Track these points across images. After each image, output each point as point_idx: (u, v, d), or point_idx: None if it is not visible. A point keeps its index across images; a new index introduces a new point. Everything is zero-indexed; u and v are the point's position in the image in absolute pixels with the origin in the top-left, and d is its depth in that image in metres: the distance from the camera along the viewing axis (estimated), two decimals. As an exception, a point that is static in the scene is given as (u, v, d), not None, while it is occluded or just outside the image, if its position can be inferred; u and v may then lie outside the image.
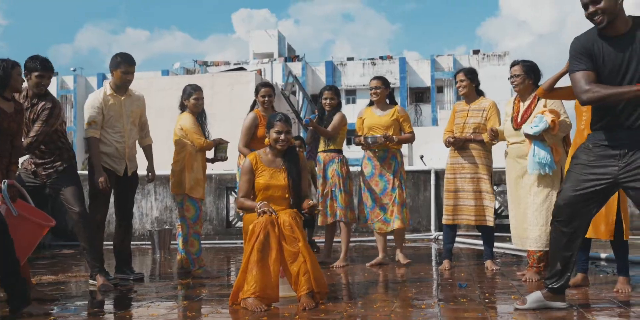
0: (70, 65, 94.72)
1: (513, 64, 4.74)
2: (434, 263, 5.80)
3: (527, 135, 4.43)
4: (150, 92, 19.09)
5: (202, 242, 5.37)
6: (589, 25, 3.26)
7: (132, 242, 5.15)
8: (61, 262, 6.33)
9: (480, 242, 5.65)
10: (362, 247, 7.32)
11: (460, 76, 5.32)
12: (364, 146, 5.52)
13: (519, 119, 4.64)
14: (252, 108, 5.70)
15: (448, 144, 5.27)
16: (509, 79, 4.74)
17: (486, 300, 3.75)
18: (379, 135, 5.35)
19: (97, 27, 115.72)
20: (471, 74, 5.31)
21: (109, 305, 3.94)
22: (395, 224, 5.41)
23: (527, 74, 4.63)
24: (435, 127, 32.27)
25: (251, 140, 5.44)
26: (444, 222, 5.34)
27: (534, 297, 3.46)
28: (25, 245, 3.74)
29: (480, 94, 5.36)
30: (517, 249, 6.10)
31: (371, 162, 5.53)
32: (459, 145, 5.22)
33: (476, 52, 42.81)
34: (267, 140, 4.12)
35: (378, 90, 5.54)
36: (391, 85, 5.79)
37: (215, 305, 3.80)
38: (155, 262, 6.37)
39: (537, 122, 4.34)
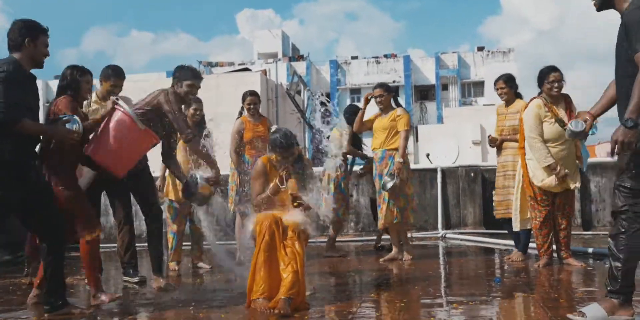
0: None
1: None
2: (441, 261, 5.81)
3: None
4: (155, 93, 19.05)
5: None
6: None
7: (140, 244, 5.16)
8: (70, 265, 6.33)
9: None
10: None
11: (500, 84, 5.48)
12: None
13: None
14: (240, 114, 5.95)
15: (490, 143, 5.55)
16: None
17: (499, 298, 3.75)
18: (391, 182, 5.40)
19: (103, 30, 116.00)
20: (511, 81, 5.48)
21: (119, 308, 3.94)
22: (379, 222, 5.57)
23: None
24: (441, 125, 32.08)
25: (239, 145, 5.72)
26: (497, 216, 5.53)
27: (594, 311, 3.00)
28: (134, 154, 4.03)
29: (518, 96, 5.53)
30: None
31: (374, 164, 5.69)
32: (495, 145, 5.47)
33: (481, 49, 42.73)
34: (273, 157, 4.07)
35: (382, 99, 5.65)
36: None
37: (224, 307, 3.82)
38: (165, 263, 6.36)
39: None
